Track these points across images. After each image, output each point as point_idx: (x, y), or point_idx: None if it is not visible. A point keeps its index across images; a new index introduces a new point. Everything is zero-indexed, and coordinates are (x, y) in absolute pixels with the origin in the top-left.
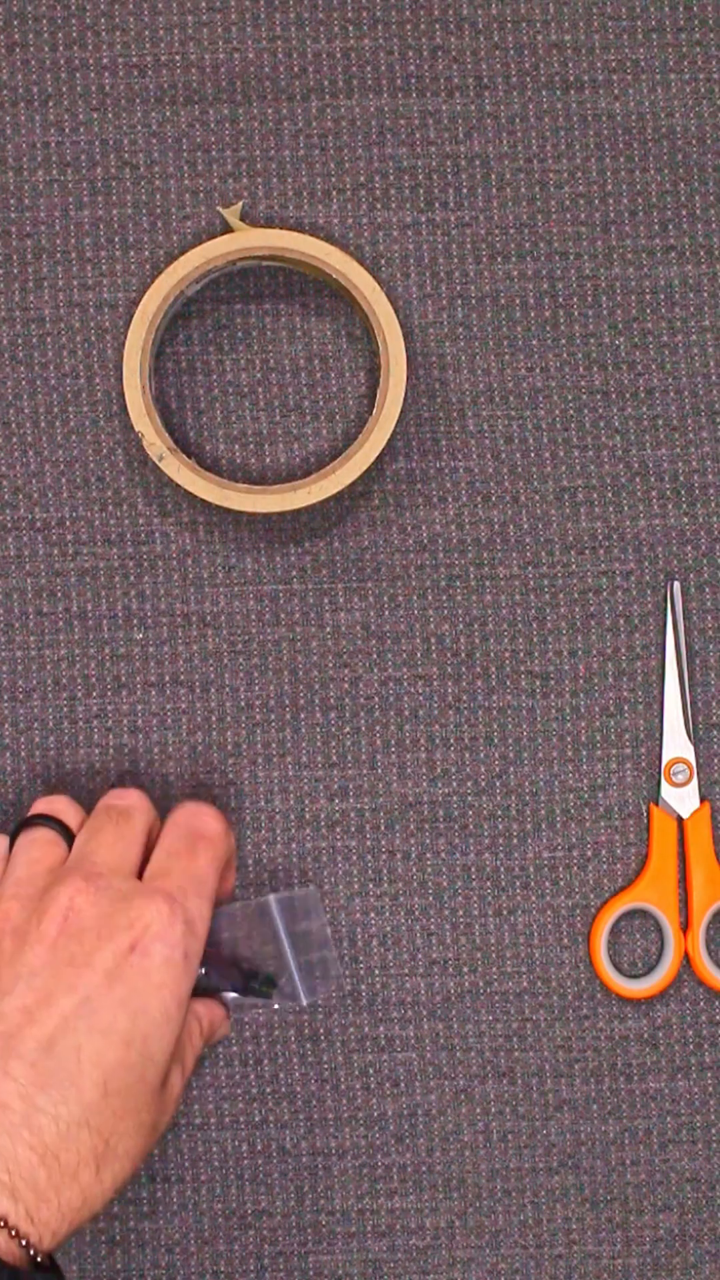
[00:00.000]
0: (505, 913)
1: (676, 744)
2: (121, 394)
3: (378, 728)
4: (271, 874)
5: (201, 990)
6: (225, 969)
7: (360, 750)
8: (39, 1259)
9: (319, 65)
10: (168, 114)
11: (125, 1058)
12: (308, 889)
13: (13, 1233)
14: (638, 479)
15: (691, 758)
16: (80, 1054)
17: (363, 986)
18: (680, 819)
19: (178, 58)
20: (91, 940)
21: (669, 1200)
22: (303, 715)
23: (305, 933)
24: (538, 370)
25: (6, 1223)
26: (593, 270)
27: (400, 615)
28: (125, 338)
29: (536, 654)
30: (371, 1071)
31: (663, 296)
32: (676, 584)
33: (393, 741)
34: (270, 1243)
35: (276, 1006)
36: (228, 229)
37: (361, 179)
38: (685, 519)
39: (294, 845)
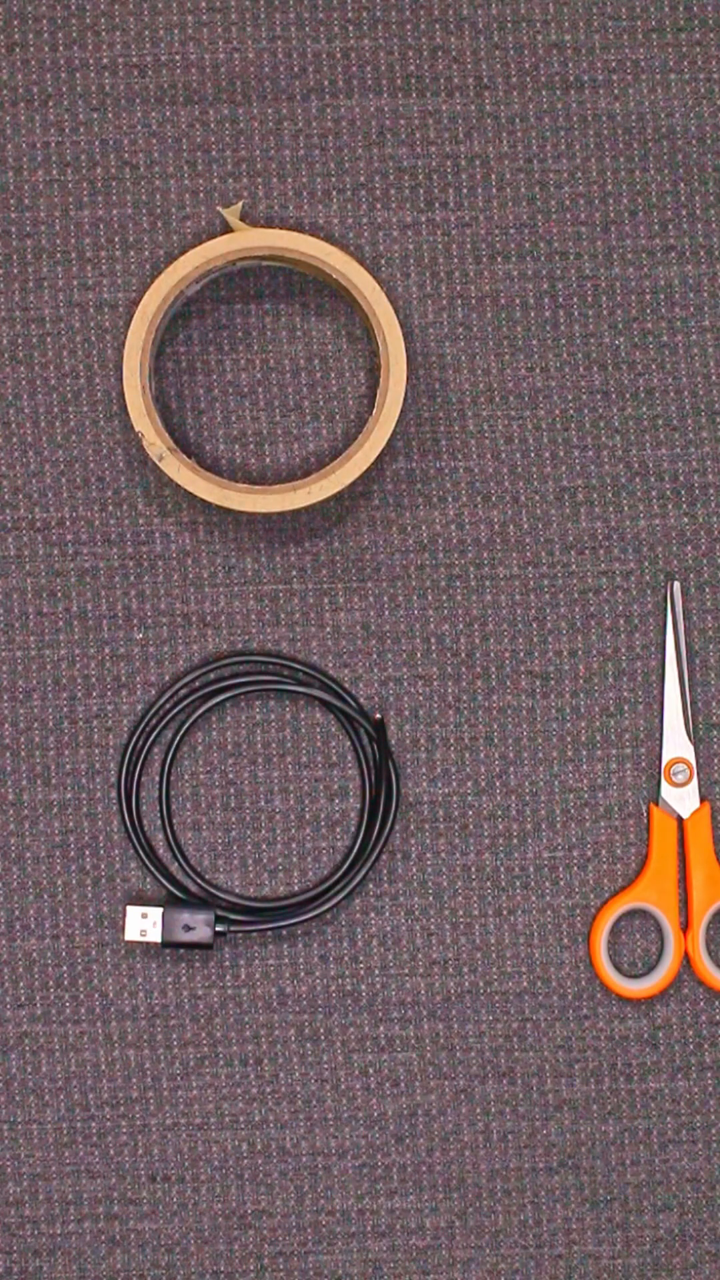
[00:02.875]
0: (505, 913)
1: (676, 744)
2: (121, 394)
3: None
4: (272, 873)
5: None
6: None
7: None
8: None
9: (319, 65)
10: (168, 114)
11: None
12: None
13: None
14: (638, 479)
15: (691, 757)
16: None
17: (363, 986)
18: (680, 819)
19: (178, 58)
20: None
21: (669, 1200)
22: (302, 716)
23: None
24: (538, 370)
25: None
26: (593, 270)
27: (400, 615)
28: (125, 338)
29: (536, 654)
30: (371, 1071)
31: (663, 296)
32: (676, 584)
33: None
34: (270, 1243)
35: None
36: (228, 229)
37: (361, 179)
38: (685, 519)
39: (294, 845)
